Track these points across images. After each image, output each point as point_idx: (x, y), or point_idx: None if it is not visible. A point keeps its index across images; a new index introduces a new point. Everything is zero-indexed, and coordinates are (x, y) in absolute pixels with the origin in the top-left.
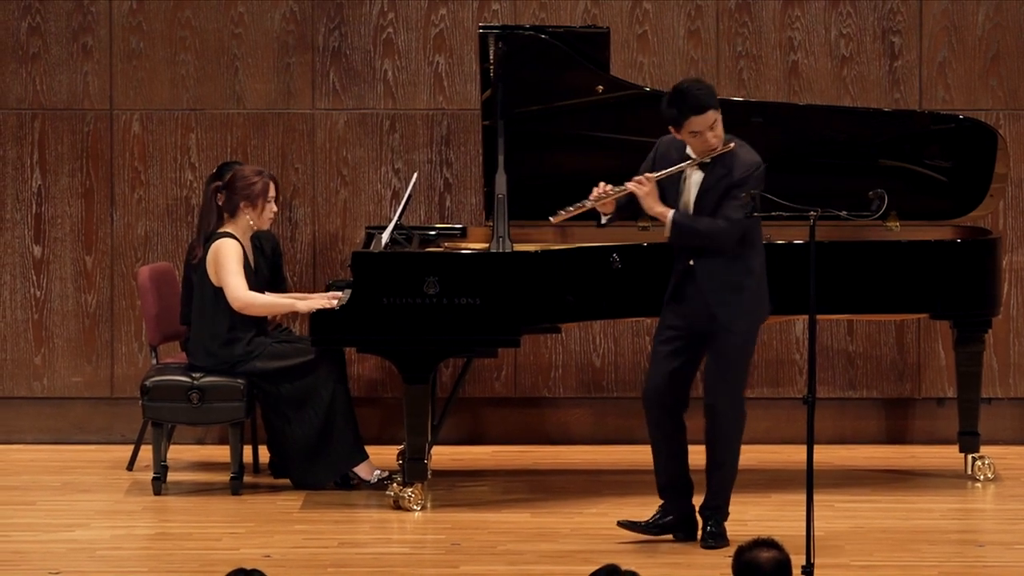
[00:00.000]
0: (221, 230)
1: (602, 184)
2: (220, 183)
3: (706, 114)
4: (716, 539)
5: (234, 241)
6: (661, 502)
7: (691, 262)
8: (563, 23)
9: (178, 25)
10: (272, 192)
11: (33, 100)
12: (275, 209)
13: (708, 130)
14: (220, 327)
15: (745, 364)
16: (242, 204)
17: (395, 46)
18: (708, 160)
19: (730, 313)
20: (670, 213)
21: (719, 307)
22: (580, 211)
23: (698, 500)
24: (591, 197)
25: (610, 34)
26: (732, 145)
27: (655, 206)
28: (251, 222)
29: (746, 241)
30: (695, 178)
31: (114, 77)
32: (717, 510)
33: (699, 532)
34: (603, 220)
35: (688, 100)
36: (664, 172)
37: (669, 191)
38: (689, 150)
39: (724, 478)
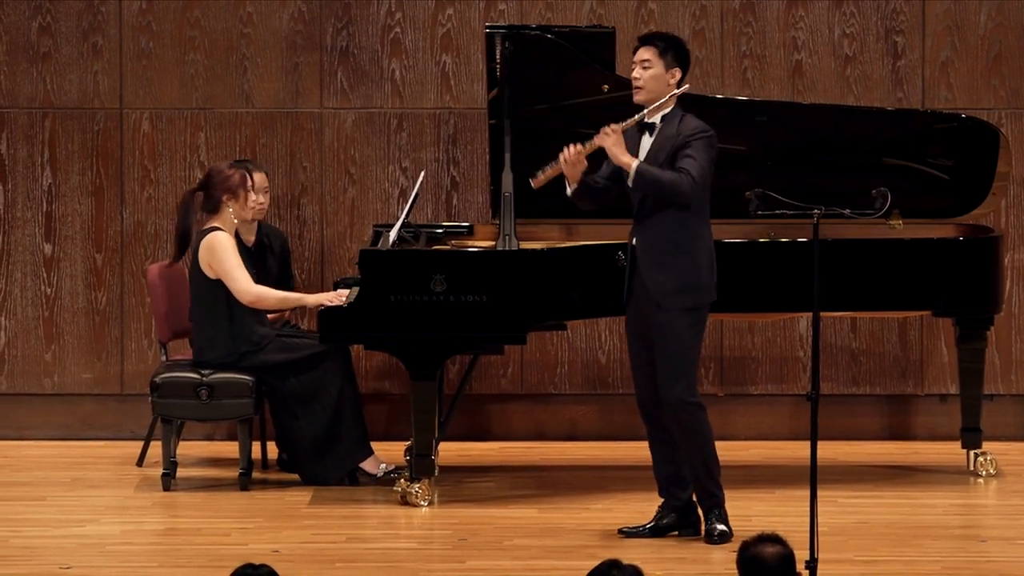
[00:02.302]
0: (207, 226)
1: (572, 144)
2: (195, 186)
3: (643, 47)
4: (721, 535)
5: (224, 233)
6: (660, 502)
7: (634, 241)
8: (569, 23)
9: (187, 25)
10: (250, 182)
11: (44, 99)
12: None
13: (640, 63)
14: (222, 319)
15: (685, 350)
16: (224, 197)
17: (402, 46)
18: (658, 120)
19: (663, 291)
20: (634, 162)
21: (653, 285)
22: (557, 172)
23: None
24: (562, 157)
25: (615, 34)
26: (670, 101)
27: (621, 155)
28: (234, 216)
29: (688, 220)
30: (644, 143)
31: (124, 76)
32: (709, 498)
33: (702, 526)
34: (569, 190)
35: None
36: (626, 123)
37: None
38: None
39: (697, 467)
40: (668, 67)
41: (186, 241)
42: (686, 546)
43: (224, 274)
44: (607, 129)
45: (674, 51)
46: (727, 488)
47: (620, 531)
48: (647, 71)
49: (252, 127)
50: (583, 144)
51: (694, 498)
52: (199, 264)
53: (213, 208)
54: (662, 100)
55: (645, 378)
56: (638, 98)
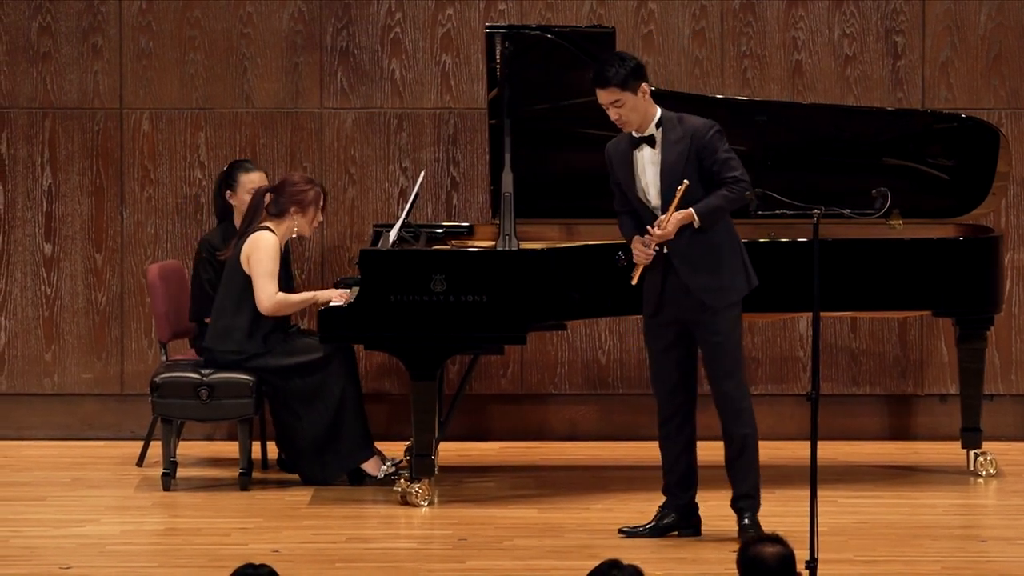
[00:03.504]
0: (262, 224)
1: (637, 244)
2: (266, 187)
3: (605, 91)
4: (755, 531)
5: (274, 237)
6: (661, 502)
7: (665, 249)
8: (569, 23)
9: (187, 25)
10: (322, 201)
11: (44, 99)
12: (321, 219)
13: (612, 106)
14: (245, 315)
15: (736, 344)
16: (292, 209)
17: (402, 46)
18: (653, 129)
19: (707, 292)
20: (692, 211)
21: (697, 288)
22: (641, 269)
23: (706, 495)
24: (642, 259)
25: (615, 34)
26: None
27: (679, 223)
28: (295, 228)
29: None
30: (647, 155)
31: (124, 76)
32: (748, 499)
33: (702, 526)
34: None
35: (592, 75)
36: (665, 221)
37: (623, 174)
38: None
39: (745, 467)
40: (636, 91)
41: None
42: (686, 546)
43: (255, 275)
44: (648, 239)
45: (631, 75)
46: (728, 488)
47: (620, 531)
48: (623, 108)
49: (252, 127)
50: (642, 243)
51: (695, 498)
52: (240, 256)
53: (278, 214)
54: (649, 116)
55: (672, 385)
56: (629, 129)
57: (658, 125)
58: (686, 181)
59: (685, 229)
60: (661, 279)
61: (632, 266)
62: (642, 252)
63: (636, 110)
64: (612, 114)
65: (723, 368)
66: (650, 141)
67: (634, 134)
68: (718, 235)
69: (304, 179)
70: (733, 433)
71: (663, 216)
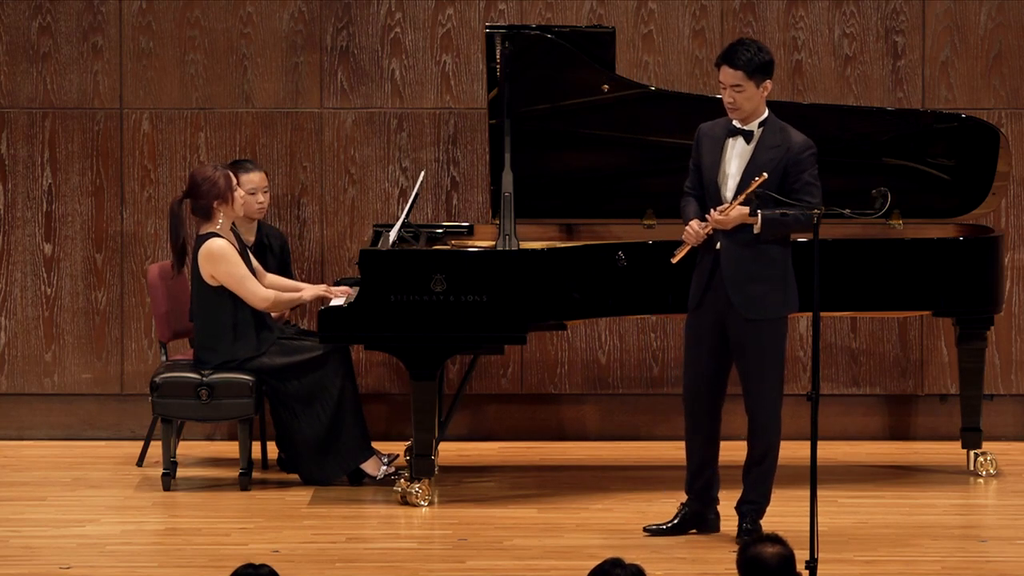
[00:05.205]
0: (203, 232)
1: (693, 224)
2: (181, 195)
3: (732, 71)
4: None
5: (222, 239)
6: (682, 501)
7: (718, 245)
8: (569, 23)
9: (187, 25)
10: (235, 180)
11: (44, 99)
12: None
13: (731, 88)
14: (225, 326)
15: (771, 356)
16: (215, 204)
17: (402, 46)
18: (755, 127)
19: (751, 305)
20: (757, 215)
21: (741, 299)
22: (688, 248)
23: (726, 495)
24: (692, 240)
25: (615, 34)
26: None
27: (741, 220)
28: (223, 217)
29: None
30: (739, 147)
31: (124, 76)
32: (754, 504)
33: (720, 523)
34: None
35: (726, 50)
36: (734, 204)
37: (709, 157)
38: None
39: (760, 476)
40: (759, 83)
41: (184, 251)
42: (686, 546)
43: (234, 285)
44: (717, 216)
45: (761, 68)
46: (728, 488)
47: (645, 529)
48: (740, 94)
49: (252, 127)
50: (699, 224)
51: (716, 498)
52: (199, 272)
53: (206, 215)
54: (757, 112)
55: (701, 375)
56: (735, 116)
57: (761, 124)
58: (764, 174)
59: (745, 231)
60: (708, 272)
61: (624, 265)
62: (694, 232)
63: (751, 101)
64: (727, 96)
65: (755, 378)
66: (747, 136)
67: (735, 123)
68: (774, 251)
69: (211, 168)
70: (756, 442)
71: (728, 204)
